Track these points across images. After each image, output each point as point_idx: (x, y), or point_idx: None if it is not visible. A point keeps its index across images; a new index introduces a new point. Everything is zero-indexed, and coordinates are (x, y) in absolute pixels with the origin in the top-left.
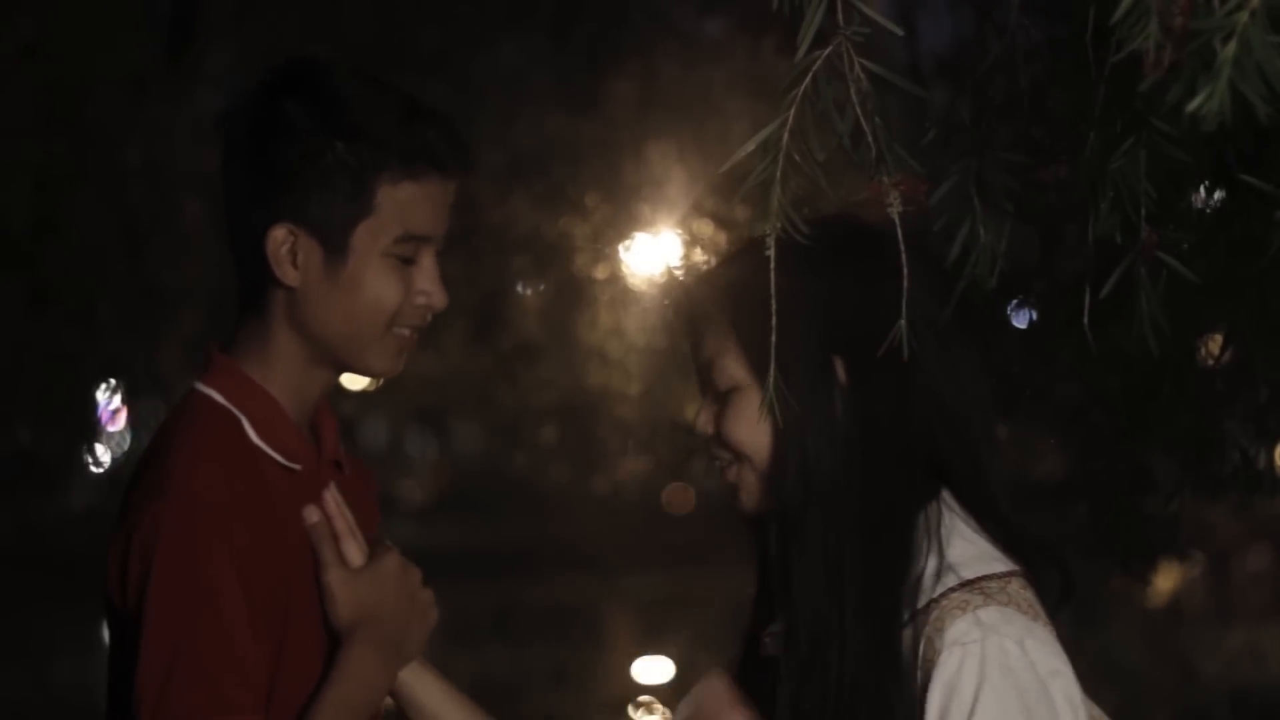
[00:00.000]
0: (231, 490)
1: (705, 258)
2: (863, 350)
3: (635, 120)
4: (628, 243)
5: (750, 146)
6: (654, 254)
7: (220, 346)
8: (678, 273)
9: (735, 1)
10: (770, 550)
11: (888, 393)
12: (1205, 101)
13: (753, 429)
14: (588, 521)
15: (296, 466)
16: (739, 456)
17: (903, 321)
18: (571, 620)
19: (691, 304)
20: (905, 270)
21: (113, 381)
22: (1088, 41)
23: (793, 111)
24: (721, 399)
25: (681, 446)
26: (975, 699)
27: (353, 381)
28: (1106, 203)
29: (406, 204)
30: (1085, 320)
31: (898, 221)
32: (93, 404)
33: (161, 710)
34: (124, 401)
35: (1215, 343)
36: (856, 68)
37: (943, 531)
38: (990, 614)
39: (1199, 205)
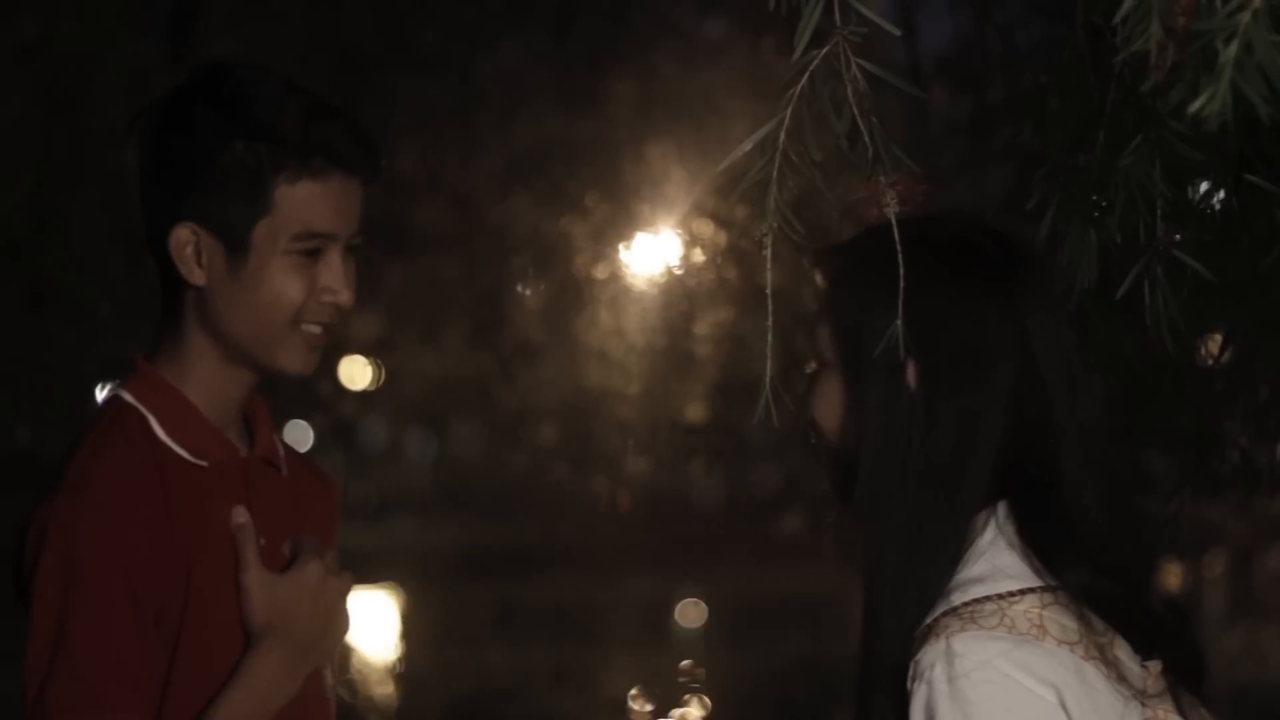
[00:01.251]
0: (126, 486)
1: (708, 257)
2: (942, 359)
3: (635, 120)
4: (627, 242)
5: (747, 146)
6: (654, 254)
7: (145, 354)
8: (678, 273)
9: (734, 1)
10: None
11: (962, 405)
12: (1207, 102)
13: (829, 410)
14: (588, 521)
15: (203, 463)
16: (817, 432)
17: (899, 323)
18: (571, 620)
19: (822, 266)
20: (902, 271)
21: (111, 382)
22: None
23: (790, 111)
24: (815, 373)
25: (681, 446)
26: None
27: (351, 381)
28: (1120, 201)
29: (305, 202)
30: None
31: (894, 221)
32: (92, 404)
33: (39, 707)
34: (100, 404)
35: (1215, 342)
36: (854, 67)
37: (975, 549)
38: (963, 640)
39: (1202, 204)
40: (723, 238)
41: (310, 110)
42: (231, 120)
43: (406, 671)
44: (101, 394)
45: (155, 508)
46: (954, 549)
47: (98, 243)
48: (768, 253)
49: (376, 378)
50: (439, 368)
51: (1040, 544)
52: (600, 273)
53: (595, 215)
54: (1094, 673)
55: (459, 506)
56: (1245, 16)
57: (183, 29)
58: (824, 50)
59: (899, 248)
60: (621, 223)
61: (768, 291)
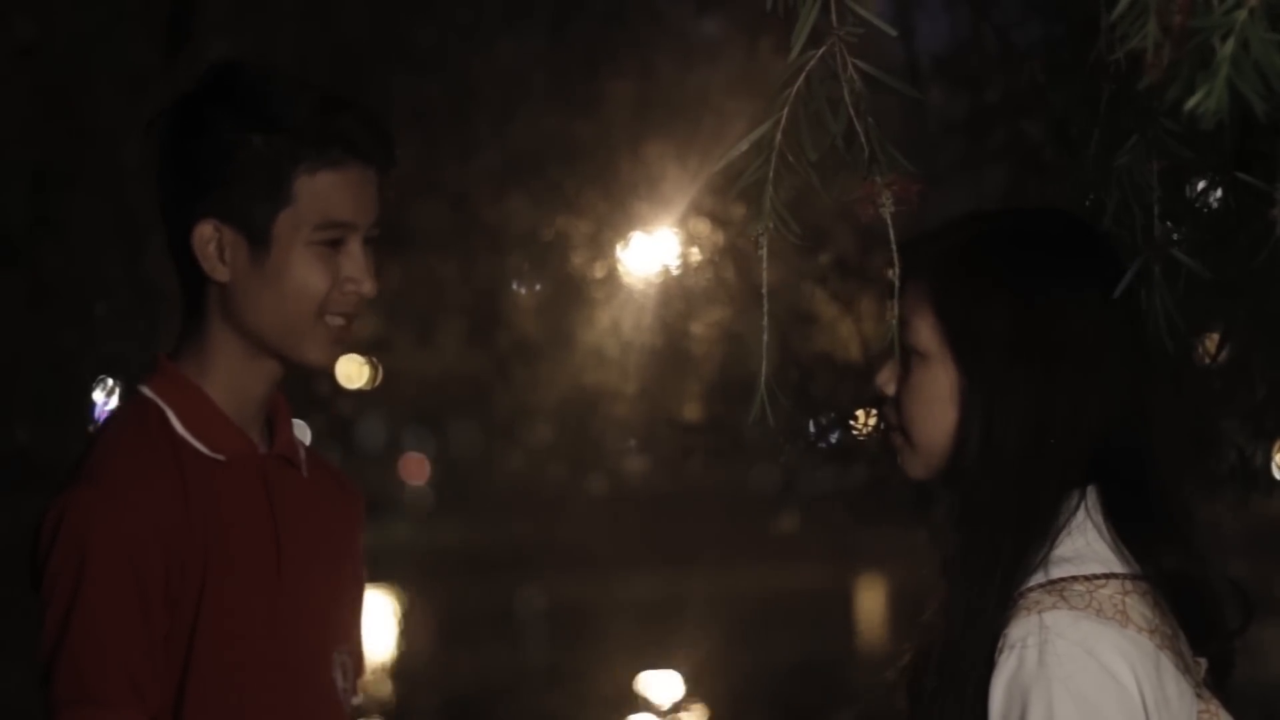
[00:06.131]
0: (142, 480)
1: (704, 256)
2: (1062, 348)
3: (632, 119)
4: (624, 242)
5: (743, 146)
6: (650, 253)
7: (168, 353)
8: (675, 272)
9: (732, 1)
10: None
11: (1079, 391)
12: (1204, 100)
13: (926, 399)
14: (586, 521)
15: (220, 457)
16: (903, 426)
17: (894, 321)
18: (570, 620)
19: (909, 257)
20: (898, 269)
21: (109, 381)
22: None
23: (786, 111)
24: (906, 363)
25: (679, 445)
26: (1025, 712)
27: (349, 380)
28: (1113, 201)
29: (325, 192)
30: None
31: (890, 222)
32: (90, 403)
33: (44, 696)
34: (120, 400)
35: (1212, 341)
36: (850, 68)
37: (1065, 528)
38: (1056, 617)
39: (1198, 203)
40: (719, 237)
41: (324, 103)
42: (247, 116)
43: (404, 670)
44: (100, 393)
45: (172, 502)
46: (1052, 525)
47: (96, 243)
48: (763, 252)
49: (373, 377)
50: (436, 367)
51: (1126, 529)
52: (597, 272)
53: (592, 214)
54: (1167, 662)
55: (456, 505)
56: (1242, 14)
57: (181, 28)
58: (820, 51)
59: (894, 245)
60: (618, 222)
61: (763, 290)
